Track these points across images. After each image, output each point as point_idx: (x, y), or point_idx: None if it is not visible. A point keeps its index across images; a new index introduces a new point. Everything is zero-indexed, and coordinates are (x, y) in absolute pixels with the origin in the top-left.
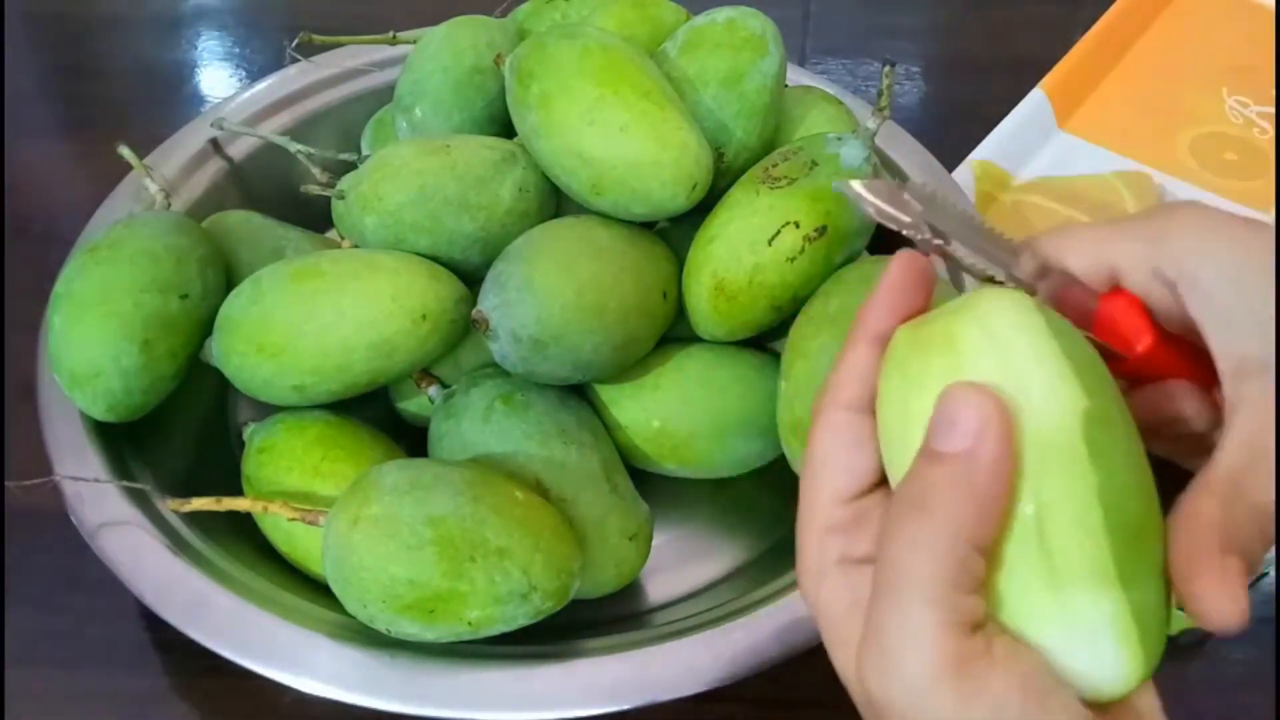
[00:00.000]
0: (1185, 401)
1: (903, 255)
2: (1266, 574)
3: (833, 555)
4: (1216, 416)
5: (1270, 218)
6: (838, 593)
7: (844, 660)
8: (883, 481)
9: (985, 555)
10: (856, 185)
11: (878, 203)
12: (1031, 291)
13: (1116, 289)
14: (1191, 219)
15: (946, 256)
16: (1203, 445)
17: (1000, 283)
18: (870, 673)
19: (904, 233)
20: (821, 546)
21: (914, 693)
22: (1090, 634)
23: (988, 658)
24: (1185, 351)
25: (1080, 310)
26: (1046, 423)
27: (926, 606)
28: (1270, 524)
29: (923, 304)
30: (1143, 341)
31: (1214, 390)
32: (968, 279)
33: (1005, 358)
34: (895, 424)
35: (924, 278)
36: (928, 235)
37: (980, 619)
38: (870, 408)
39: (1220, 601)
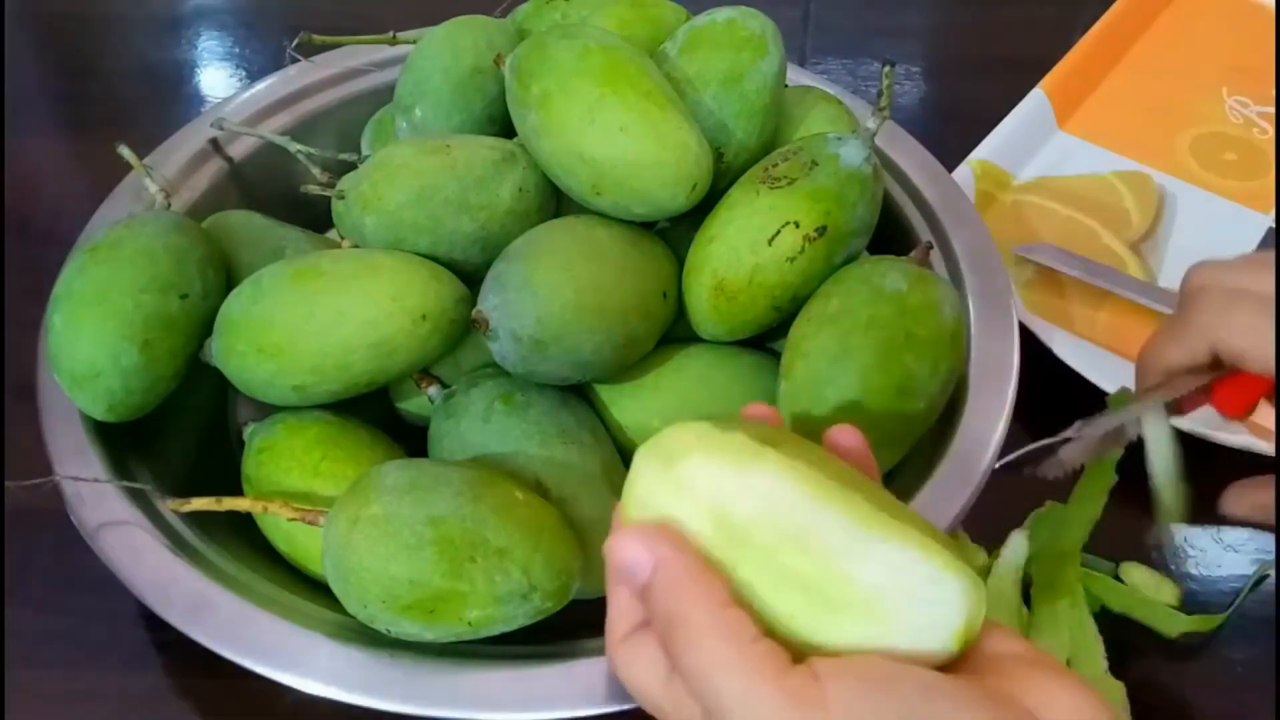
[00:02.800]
0: None
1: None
2: (1268, 576)
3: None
4: None
5: (1270, 218)
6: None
7: None
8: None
9: (741, 607)
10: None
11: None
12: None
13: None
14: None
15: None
16: None
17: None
18: None
19: None
20: (753, 648)
21: None
22: (901, 569)
23: (817, 679)
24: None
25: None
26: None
27: (735, 674)
28: None
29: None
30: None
31: None
32: None
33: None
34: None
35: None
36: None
37: (791, 658)
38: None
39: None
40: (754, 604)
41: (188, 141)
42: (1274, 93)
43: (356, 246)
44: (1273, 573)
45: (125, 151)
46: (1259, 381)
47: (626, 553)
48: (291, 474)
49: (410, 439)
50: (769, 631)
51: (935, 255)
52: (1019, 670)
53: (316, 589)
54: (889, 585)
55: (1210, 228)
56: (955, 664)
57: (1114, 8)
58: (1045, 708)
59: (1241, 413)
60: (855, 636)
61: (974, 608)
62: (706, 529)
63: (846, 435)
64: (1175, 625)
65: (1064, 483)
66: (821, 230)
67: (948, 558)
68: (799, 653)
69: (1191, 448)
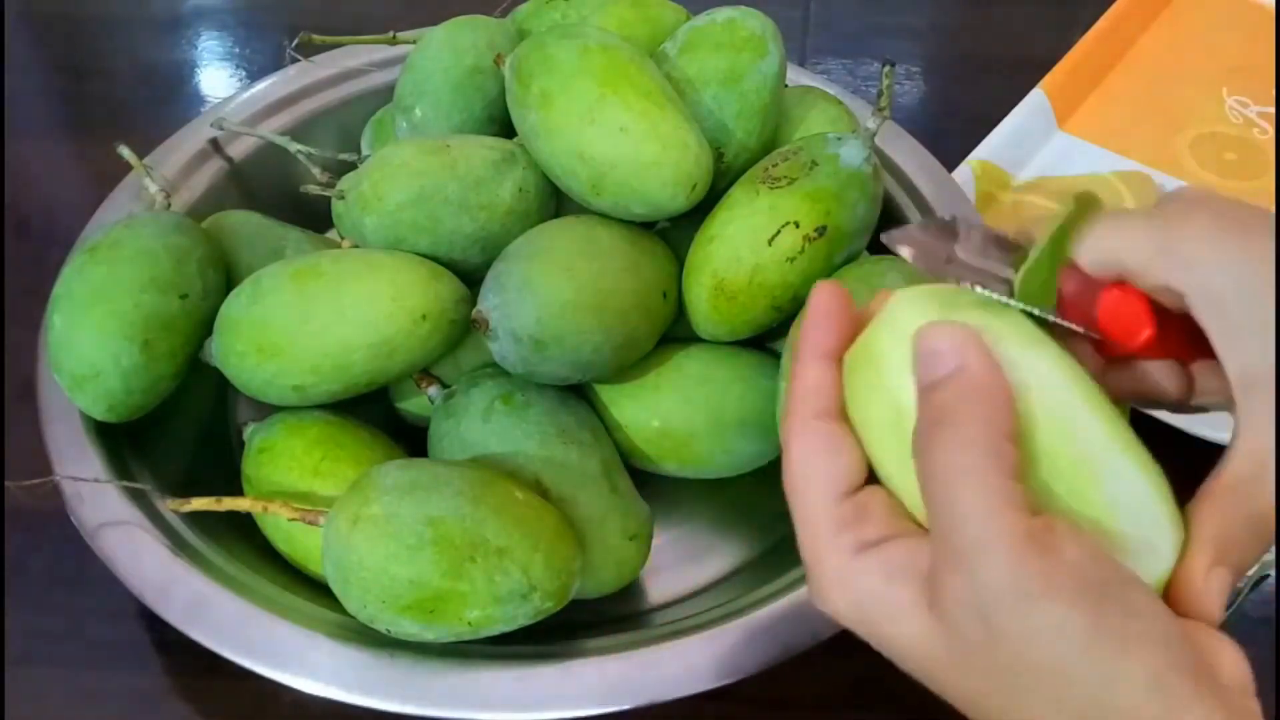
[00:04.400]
0: (1166, 379)
1: (821, 286)
2: (1268, 576)
3: (849, 549)
4: (1192, 389)
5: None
6: (871, 578)
7: (910, 629)
8: (868, 479)
9: (1015, 444)
10: (896, 240)
11: (915, 252)
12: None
13: (1121, 283)
14: (1203, 223)
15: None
16: (1180, 407)
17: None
18: (956, 588)
19: (929, 273)
20: (837, 549)
21: (1001, 581)
22: (1136, 499)
23: (1053, 531)
24: (1181, 333)
25: (1085, 300)
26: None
27: (986, 495)
28: (1269, 534)
29: (847, 320)
30: (1143, 334)
31: (1198, 363)
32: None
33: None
34: (861, 434)
35: (844, 299)
36: (947, 266)
37: (1033, 506)
38: (835, 415)
39: (1197, 614)
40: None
41: (188, 141)
42: (1274, 93)
43: (356, 246)
44: (1272, 572)
45: (125, 151)
46: (1146, 315)
47: (944, 341)
48: (291, 474)
49: (410, 439)
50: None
51: None
52: (1195, 624)
53: (316, 589)
54: (1123, 510)
55: None
56: None
57: (1114, 8)
58: (1218, 664)
59: (1132, 337)
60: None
61: (1175, 565)
62: None
63: None
64: None
65: None
66: (821, 230)
67: (1173, 509)
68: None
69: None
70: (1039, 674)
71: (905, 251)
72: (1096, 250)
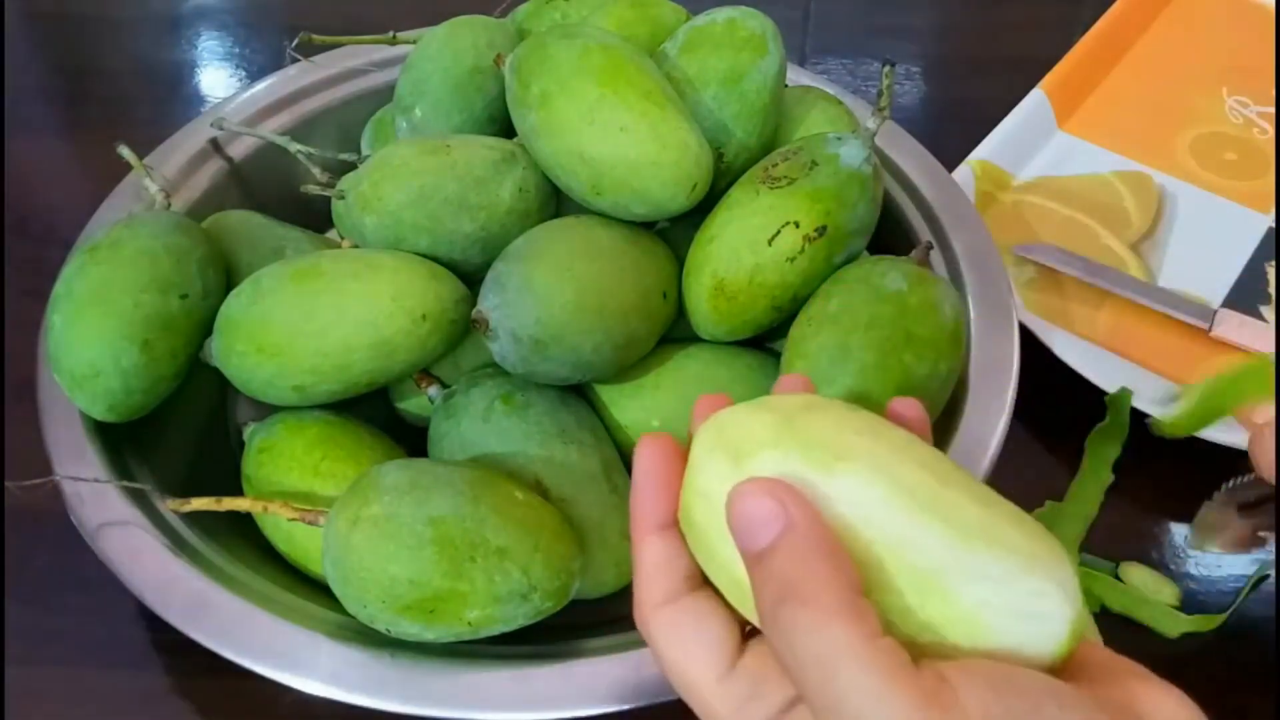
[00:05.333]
0: None
1: (643, 443)
2: (1268, 576)
3: None
4: None
5: (1270, 218)
6: None
7: None
8: (746, 637)
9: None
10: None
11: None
12: None
13: None
14: None
15: None
16: None
17: None
18: None
19: None
20: None
21: None
22: (1003, 585)
23: (945, 682)
24: None
25: None
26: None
27: (867, 674)
28: None
29: (675, 478)
30: None
31: None
32: None
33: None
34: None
35: (669, 455)
36: None
37: (904, 644)
38: (691, 588)
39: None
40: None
41: (188, 141)
42: (1274, 93)
43: (356, 246)
44: (1272, 573)
45: (125, 151)
46: None
47: (756, 505)
48: (291, 474)
49: (410, 439)
50: None
51: (935, 255)
52: (1118, 678)
53: (316, 589)
54: (991, 602)
55: (1210, 228)
56: (1056, 672)
57: (1114, 8)
58: (1153, 715)
59: None
60: (957, 640)
61: (1079, 618)
62: None
63: (908, 407)
64: (1176, 626)
65: (1062, 484)
66: (821, 230)
67: (1049, 564)
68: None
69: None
70: None
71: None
72: None
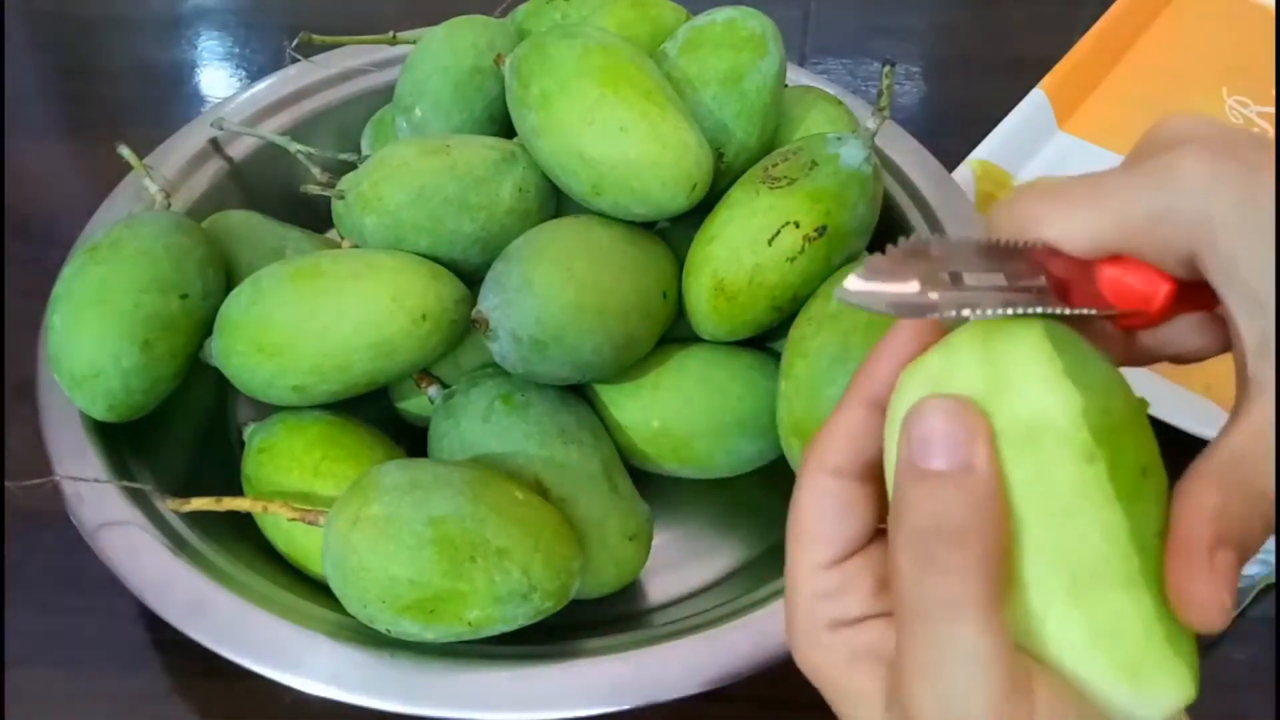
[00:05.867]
0: (1193, 335)
1: (904, 325)
2: (1273, 586)
3: (823, 621)
4: (1224, 340)
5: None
6: (833, 654)
7: (858, 712)
8: (867, 544)
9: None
10: (854, 283)
11: (885, 291)
12: (1044, 297)
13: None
14: (1197, 171)
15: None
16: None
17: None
18: (922, 703)
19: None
20: (811, 613)
21: (973, 716)
22: (1121, 646)
23: (1032, 679)
24: (1200, 289)
25: (1085, 288)
26: (1043, 418)
27: (975, 632)
28: (1270, 516)
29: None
30: (1161, 291)
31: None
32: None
33: (988, 367)
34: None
35: (922, 340)
36: (936, 298)
37: (1012, 631)
38: (859, 474)
39: (1204, 601)
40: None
41: (188, 141)
42: (1274, 93)
43: (356, 246)
44: (1273, 576)
45: (125, 151)
46: (1157, 275)
47: (943, 422)
48: (291, 474)
49: (410, 439)
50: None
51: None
52: None
53: (316, 589)
54: (1099, 645)
55: None
56: None
57: (1114, 8)
58: None
59: (1140, 303)
60: (1058, 655)
61: (1189, 694)
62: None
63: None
64: None
65: None
66: (821, 230)
67: (1176, 664)
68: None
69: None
70: None
71: (866, 298)
72: (1084, 231)
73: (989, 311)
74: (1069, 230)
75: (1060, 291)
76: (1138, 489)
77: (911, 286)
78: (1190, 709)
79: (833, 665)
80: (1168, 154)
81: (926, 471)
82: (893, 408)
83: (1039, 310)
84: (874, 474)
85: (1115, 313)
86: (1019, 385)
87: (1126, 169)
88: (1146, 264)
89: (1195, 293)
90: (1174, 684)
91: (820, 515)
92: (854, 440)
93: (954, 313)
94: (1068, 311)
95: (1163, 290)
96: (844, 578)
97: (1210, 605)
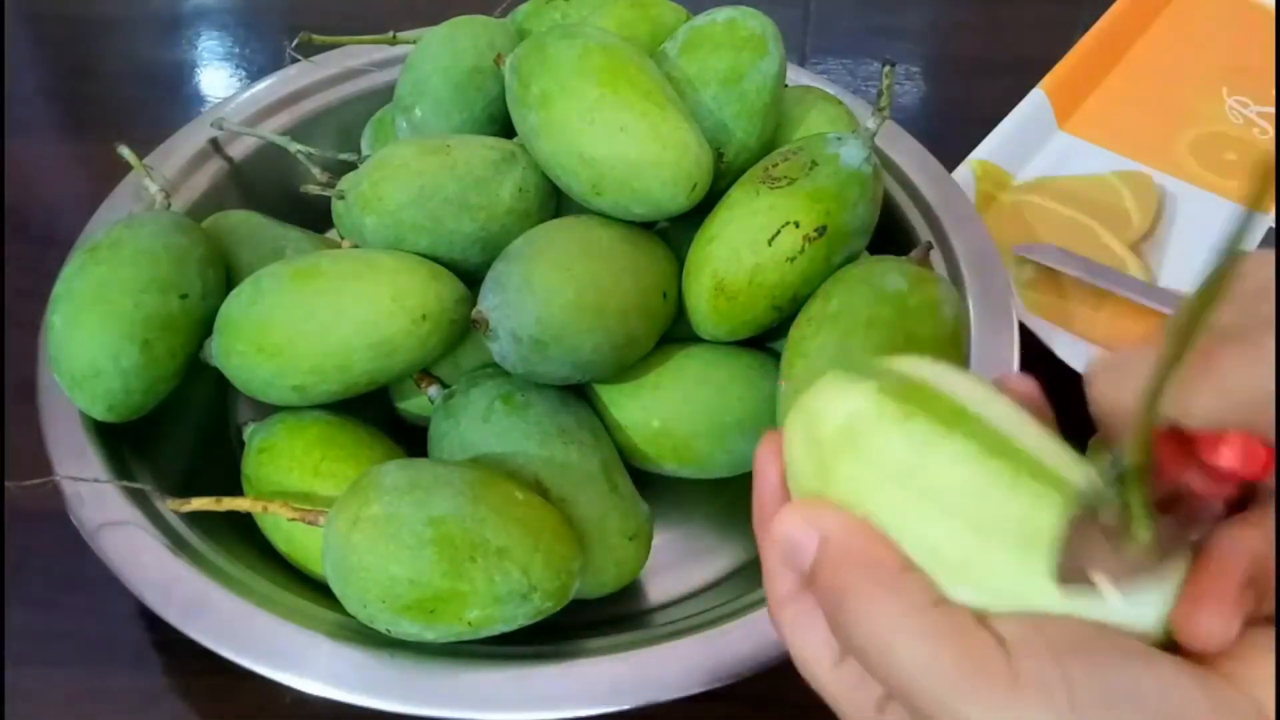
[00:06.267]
0: None
1: (759, 454)
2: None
3: (869, 705)
4: None
5: (1270, 218)
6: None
7: None
8: None
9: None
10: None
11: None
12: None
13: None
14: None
15: None
16: None
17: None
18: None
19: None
20: (857, 707)
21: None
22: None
23: (1001, 650)
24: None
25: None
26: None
27: (915, 640)
28: None
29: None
30: (1263, 458)
31: None
32: None
33: (802, 424)
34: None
35: (778, 455)
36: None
37: (972, 618)
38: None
39: (1217, 626)
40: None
41: (188, 141)
42: (1274, 93)
43: (356, 246)
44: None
45: (125, 151)
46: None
47: (788, 532)
48: (291, 474)
49: (410, 439)
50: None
51: (935, 255)
52: (1236, 650)
53: (316, 589)
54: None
55: (1210, 228)
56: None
57: (1114, 8)
58: (1257, 683)
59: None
60: (1046, 606)
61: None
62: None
63: (1021, 383)
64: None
65: None
66: (821, 230)
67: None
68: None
69: None
70: None
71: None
72: (1205, 413)
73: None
74: (1191, 408)
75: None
76: (963, 417)
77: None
78: None
79: None
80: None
81: (808, 574)
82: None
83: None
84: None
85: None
86: (828, 405)
87: (1237, 342)
88: (1248, 434)
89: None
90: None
91: (804, 630)
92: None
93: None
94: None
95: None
96: (856, 665)
97: (1221, 634)
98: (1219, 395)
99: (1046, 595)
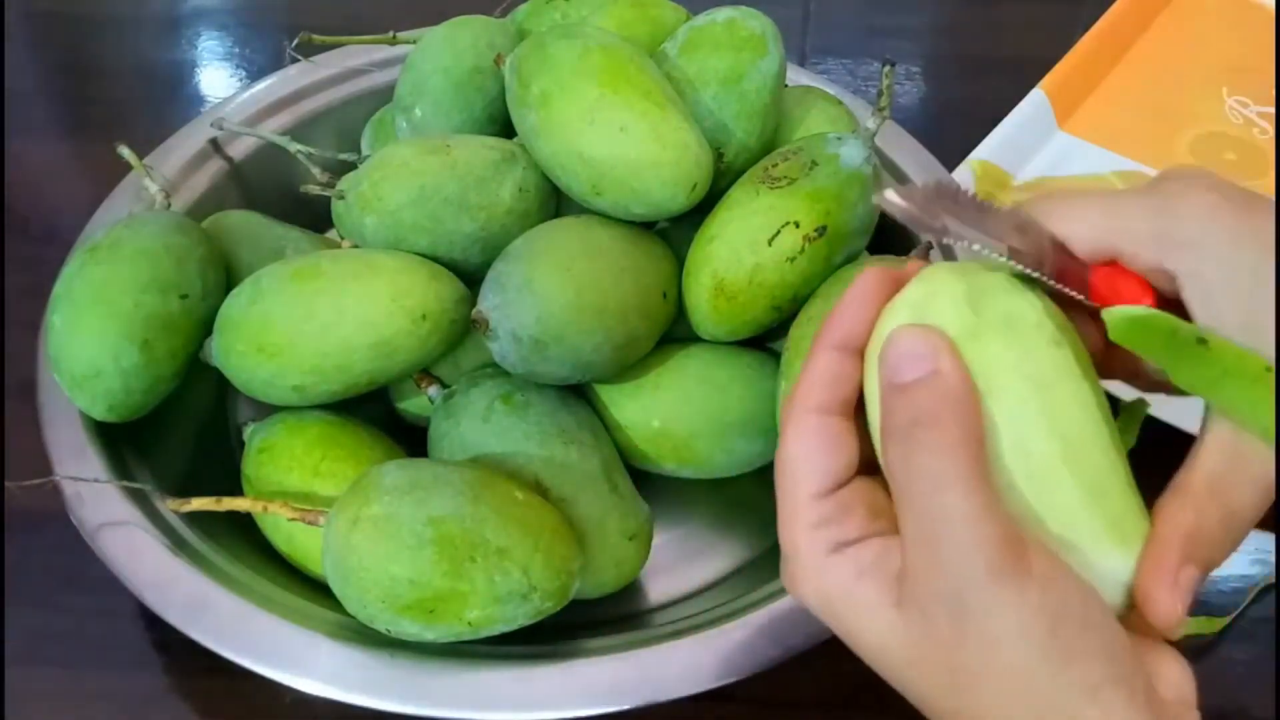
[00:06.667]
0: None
1: (870, 272)
2: (1273, 586)
3: (825, 546)
4: None
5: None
6: (842, 574)
7: (875, 624)
8: (854, 477)
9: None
10: (891, 194)
11: (911, 209)
12: (1034, 265)
13: (1113, 263)
14: (1199, 205)
15: (946, 236)
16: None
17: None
18: (933, 586)
19: (919, 232)
20: (812, 542)
21: (978, 583)
22: (1109, 505)
23: (1024, 544)
24: (1175, 307)
25: (1077, 278)
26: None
27: (969, 502)
28: (1242, 531)
29: (877, 311)
30: (1145, 299)
31: None
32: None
33: (967, 285)
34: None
35: (886, 290)
36: (939, 227)
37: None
38: (840, 410)
39: (1164, 610)
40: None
41: (188, 141)
42: (1274, 93)
43: (356, 246)
44: (1273, 575)
45: (125, 151)
46: (1144, 289)
47: (912, 344)
48: (291, 474)
49: (410, 439)
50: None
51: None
52: (1142, 640)
53: (316, 589)
54: (1074, 525)
55: None
56: None
57: (1114, 8)
58: (1158, 678)
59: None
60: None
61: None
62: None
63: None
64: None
65: None
66: (821, 230)
67: (1129, 520)
68: None
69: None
70: (998, 674)
71: (897, 207)
72: (1090, 231)
73: (991, 253)
74: (1078, 230)
75: (1056, 276)
76: (1090, 373)
77: (933, 210)
78: None
79: (842, 584)
80: (1176, 184)
81: (902, 385)
82: (873, 343)
83: (1036, 274)
84: (853, 410)
85: (1095, 306)
86: (994, 293)
87: (1137, 192)
88: (1135, 274)
89: (1169, 310)
90: (1118, 538)
91: (810, 450)
92: (831, 381)
93: (964, 243)
94: (1059, 287)
95: (1146, 299)
96: (839, 504)
97: (1168, 618)
98: (1108, 223)
99: (1091, 547)
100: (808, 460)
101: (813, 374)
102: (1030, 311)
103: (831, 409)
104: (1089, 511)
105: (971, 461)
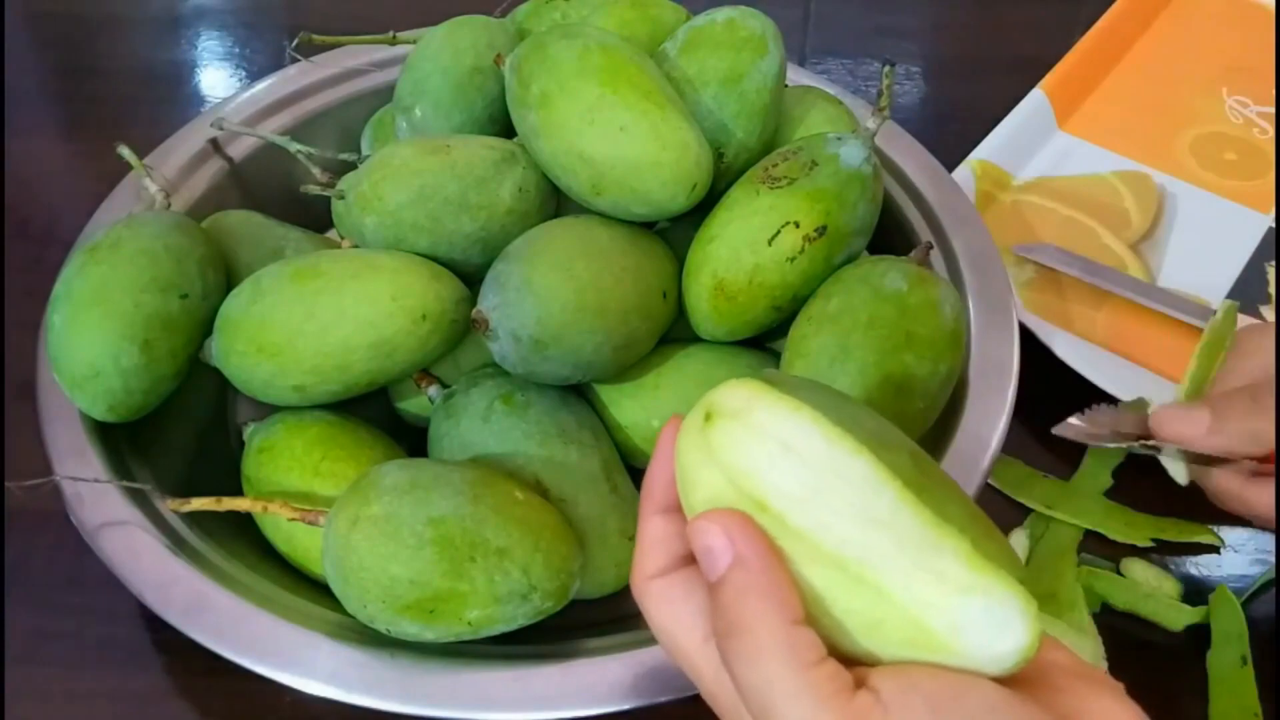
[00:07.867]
0: None
1: (669, 427)
2: (1273, 582)
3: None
4: None
5: (1270, 218)
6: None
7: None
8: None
9: (810, 624)
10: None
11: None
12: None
13: None
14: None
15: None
16: None
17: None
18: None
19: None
20: (725, 688)
21: None
22: (959, 602)
23: (880, 706)
24: None
25: None
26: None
27: (797, 700)
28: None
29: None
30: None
31: None
32: None
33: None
34: None
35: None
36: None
37: (853, 679)
38: (681, 563)
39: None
40: (805, 595)
41: (188, 141)
42: (1274, 93)
43: (356, 246)
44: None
45: (125, 151)
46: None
47: (709, 539)
48: (291, 474)
49: (410, 439)
50: (814, 622)
51: (935, 255)
52: (1069, 684)
53: (316, 589)
54: (937, 605)
55: (1210, 228)
56: (1007, 679)
57: (1114, 8)
58: (1092, 714)
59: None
60: (907, 653)
61: (1033, 636)
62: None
63: None
64: (1179, 619)
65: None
66: (821, 230)
67: (1007, 580)
68: (848, 654)
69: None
70: None
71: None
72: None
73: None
74: (1208, 445)
75: None
76: (911, 469)
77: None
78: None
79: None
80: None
81: (716, 580)
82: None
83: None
84: (692, 562)
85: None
86: (768, 428)
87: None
88: None
89: None
90: (1016, 601)
91: (674, 614)
92: (662, 544)
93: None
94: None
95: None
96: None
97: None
98: (1226, 440)
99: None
100: (676, 621)
101: (643, 544)
102: (817, 428)
103: (672, 568)
104: (933, 588)
105: (787, 658)
